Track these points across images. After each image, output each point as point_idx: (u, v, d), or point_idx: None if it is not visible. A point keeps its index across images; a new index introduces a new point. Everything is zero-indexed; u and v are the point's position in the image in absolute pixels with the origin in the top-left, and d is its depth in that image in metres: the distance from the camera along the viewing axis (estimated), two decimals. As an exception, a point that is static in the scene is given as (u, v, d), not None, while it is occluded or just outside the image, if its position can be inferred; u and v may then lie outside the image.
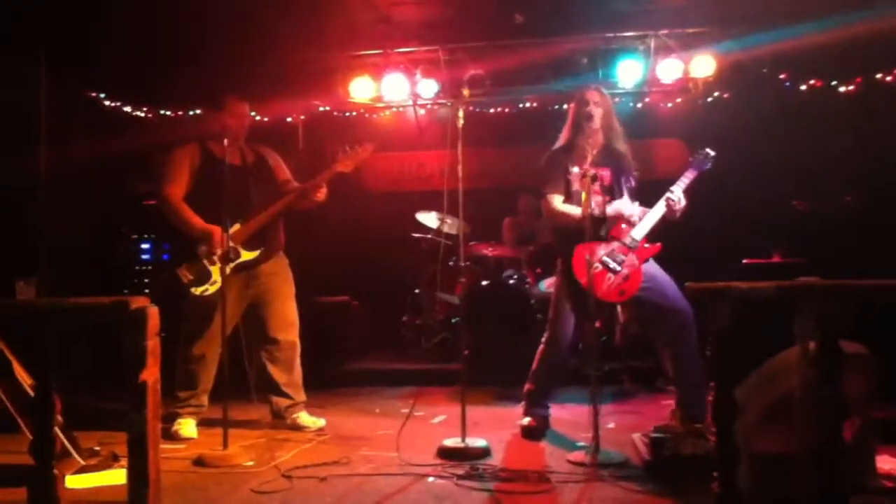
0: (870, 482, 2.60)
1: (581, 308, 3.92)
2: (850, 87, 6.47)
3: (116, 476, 3.14)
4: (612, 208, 3.91)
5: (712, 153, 4.03)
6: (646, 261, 3.90)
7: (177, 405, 4.14)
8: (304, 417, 4.25)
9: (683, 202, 3.92)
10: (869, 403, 2.54)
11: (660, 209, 3.91)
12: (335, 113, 7.45)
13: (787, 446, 2.35)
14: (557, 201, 4.01)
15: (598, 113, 4.00)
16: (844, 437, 2.30)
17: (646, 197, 4.04)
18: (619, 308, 5.20)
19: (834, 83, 6.50)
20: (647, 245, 3.91)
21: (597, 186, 3.84)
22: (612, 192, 3.97)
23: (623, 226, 3.92)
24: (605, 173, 3.95)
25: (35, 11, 5.39)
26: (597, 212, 3.77)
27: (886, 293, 2.37)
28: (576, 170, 3.92)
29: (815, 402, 2.24)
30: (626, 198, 3.96)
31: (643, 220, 3.93)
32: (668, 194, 3.90)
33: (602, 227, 3.89)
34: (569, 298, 3.98)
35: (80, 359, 4.73)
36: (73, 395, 3.03)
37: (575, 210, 3.88)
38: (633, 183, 4.05)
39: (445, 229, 5.99)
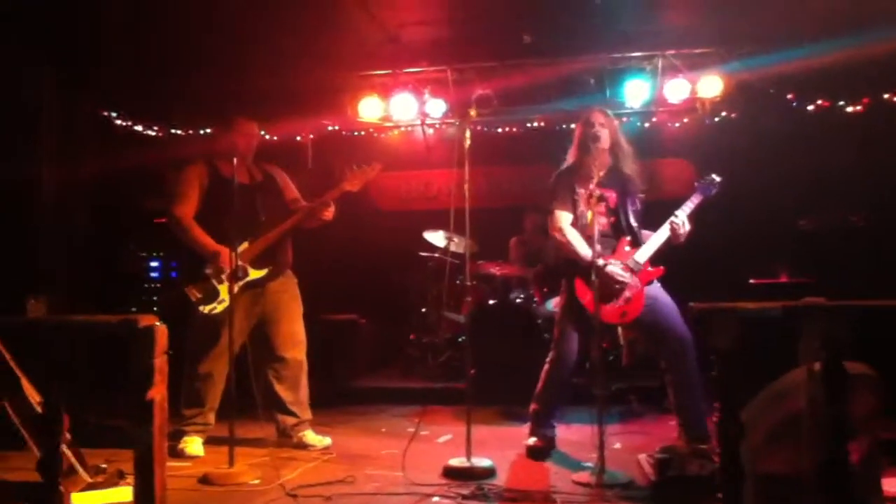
0: (876, 504, 2.58)
1: (585, 329, 3.91)
2: (858, 108, 6.47)
3: (123, 493, 3.15)
4: (608, 270, 3.83)
5: (718, 178, 3.99)
6: (649, 283, 3.90)
7: (183, 423, 4.15)
8: (310, 436, 4.25)
9: (688, 227, 3.90)
10: (875, 424, 2.53)
11: (664, 233, 3.91)
12: (344, 132, 7.50)
13: (793, 467, 2.35)
14: (565, 220, 4.00)
15: (604, 134, 4.00)
16: (851, 458, 2.29)
17: (652, 217, 4.04)
18: (619, 329, 5.18)
19: (841, 103, 6.50)
20: (650, 268, 3.91)
21: (602, 207, 3.85)
22: (617, 214, 3.97)
23: (626, 248, 3.92)
24: (611, 194, 3.96)
25: (46, 28, 5.44)
26: (599, 246, 3.71)
27: (893, 313, 2.37)
28: (582, 190, 3.93)
29: (822, 423, 2.24)
30: (616, 264, 3.86)
31: (647, 242, 3.93)
32: (672, 218, 3.89)
33: (606, 250, 3.88)
34: (572, 319, 3.98)
35: (87, 375, 4.75)
36: (80, 411, 3.04)
37: (585, 250, 3.83)
38: (638, 205, 4.04)
39: (452, 248, 6.01)
